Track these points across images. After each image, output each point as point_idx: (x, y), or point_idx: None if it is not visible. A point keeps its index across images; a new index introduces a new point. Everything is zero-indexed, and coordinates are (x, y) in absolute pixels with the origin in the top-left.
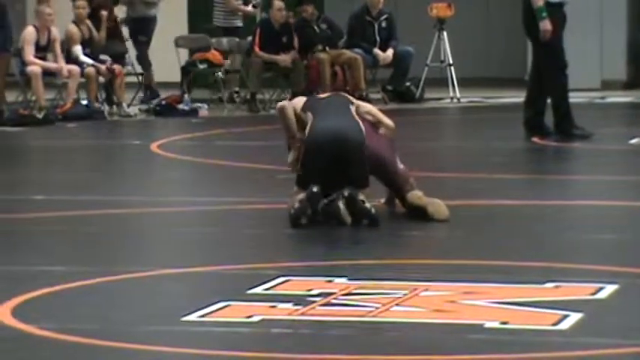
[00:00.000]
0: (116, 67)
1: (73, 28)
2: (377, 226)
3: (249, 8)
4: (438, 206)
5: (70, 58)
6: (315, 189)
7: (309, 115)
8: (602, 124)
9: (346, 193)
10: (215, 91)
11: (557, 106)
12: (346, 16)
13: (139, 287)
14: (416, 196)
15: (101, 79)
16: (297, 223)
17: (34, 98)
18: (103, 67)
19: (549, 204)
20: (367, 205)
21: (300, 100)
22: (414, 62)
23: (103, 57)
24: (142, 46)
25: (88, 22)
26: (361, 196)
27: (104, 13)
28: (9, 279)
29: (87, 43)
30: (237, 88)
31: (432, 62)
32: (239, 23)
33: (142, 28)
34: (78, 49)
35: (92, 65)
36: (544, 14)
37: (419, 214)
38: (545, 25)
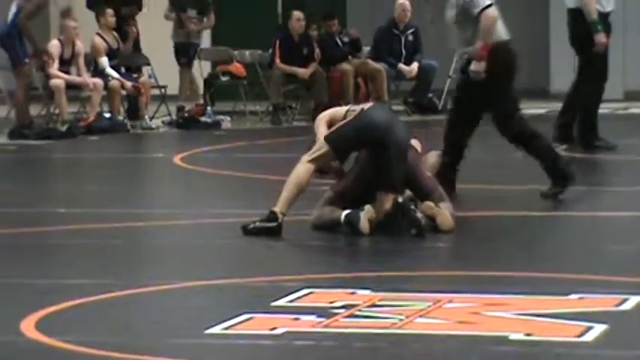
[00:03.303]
0: (142, 84)
1: (98, 40)
2: (423, 237)
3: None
4: (444, 217)
5: (97, 70)
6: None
7: (367, 104)
8: (625, 135)
9: (400, 200)
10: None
11: (585, 118)
12: (368, 31)
13: (162, 300)
14: (428, 206)
15: (123, 92)
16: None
17: (57, 112)
18: (128, 84)
19: (573, 215)
20: (418, 214)
21: (343, 108)
22: (438, 73)
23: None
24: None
25: (115, 33)
26: (413, 205)
27: (134, 29)
28: (33, 292)
29: (113, 55)
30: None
31: (454, 73)
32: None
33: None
34: (105, 61)
35: (117, 79)
36: (599, 27)
37: (431, 224)
38: (601, 37)
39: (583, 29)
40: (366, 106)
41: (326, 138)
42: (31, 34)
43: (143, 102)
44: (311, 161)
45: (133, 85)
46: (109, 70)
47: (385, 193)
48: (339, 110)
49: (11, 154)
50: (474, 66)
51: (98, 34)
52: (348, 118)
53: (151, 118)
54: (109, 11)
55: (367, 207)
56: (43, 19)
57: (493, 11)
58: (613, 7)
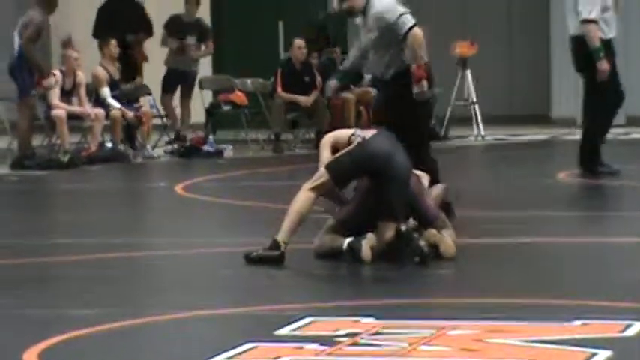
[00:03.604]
0: (144, 114)
1: (100, 70)
2: (426, 266)
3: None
4: (447, 244)
5: (98, 100)
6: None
7: (369, 132)
8: (627, 160)
9: (403, 228)
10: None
11: (588, 143)
12: None
13: (165, 330)
14: (431, 233)
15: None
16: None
17: (59, 142)
18: (130, 114)
19: (576, 241)
20: (421, 242)
21: (347, 131)
22: (439, 101)
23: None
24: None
25: (117, 63)
26: (416, 233)
27: (141, 79)
28: (35, 322)
29: (115, 85)
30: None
31: (455, 100)
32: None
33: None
34: (106, 92)
35: (119, 109)
36: (601, 54)
37: (434, 251)
38: (603, 65)
39: (586, 56)
40: (369, 134)
41: (326, 167)
42: (35, 58)
43: (145, 131)
44: (312, 189)
45: (135, 115)
46: (111, 100)
47: (386, 223)
48: (343, 133)
49: (13, 185)
50: (416, 88)
51: (101, 64)
52: (350, 147)
53: (153, 148)
54: (113, 42)
55: (369, 235)
56: (45, 50)
57: (419, 30)
58: (615, 34)
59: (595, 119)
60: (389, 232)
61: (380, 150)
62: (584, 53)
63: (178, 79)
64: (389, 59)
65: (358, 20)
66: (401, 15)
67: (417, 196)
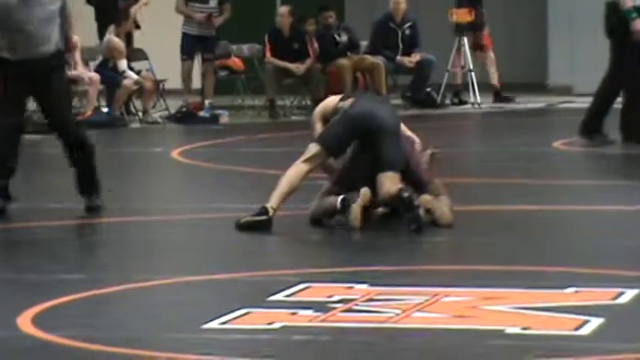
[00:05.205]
0: (144, 78)
1: (119, 43)
2: (419, 234)
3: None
4: (442, 211)
5: (113, 69)
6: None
7: (349, 101)
8: None
9: (406, 195)
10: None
11: (597, 107)
12: (366, 24)
13: (159, 295)
14: (426, 199)
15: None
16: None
17: None
18: (149, 82)
19: (570, 209)
20: (421, 211)
21: (334, 98)
22: (435, 67)
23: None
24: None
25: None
26: (417, 202)
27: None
28: (28, 287)
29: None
30: None
31: (452, 68)
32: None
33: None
34: (124, 64)
35: (136, 80)
36: (634, 15)
37: (429, 217)
38: (637, 24)
39: (618, 21)
40: (349, 103)
41: (317, 140)
42: None
43: (148, 96)
44: (304, 162)
45: (154, 81)
46: (129, 72)
47: (385, 174)
48: (330, 103)
49: None
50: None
51: (117, 35)
52: (335, 117)
53: (144, 113)
54: (130, 19)
55: (363, 191)
56: None
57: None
58: None
59: (612, 87)
60: (391, 187)
61: (362, 110)
62: (616, 18)
63: (198, 45)
64: (55, 33)
65: None
66: None
67: (410, 158)
